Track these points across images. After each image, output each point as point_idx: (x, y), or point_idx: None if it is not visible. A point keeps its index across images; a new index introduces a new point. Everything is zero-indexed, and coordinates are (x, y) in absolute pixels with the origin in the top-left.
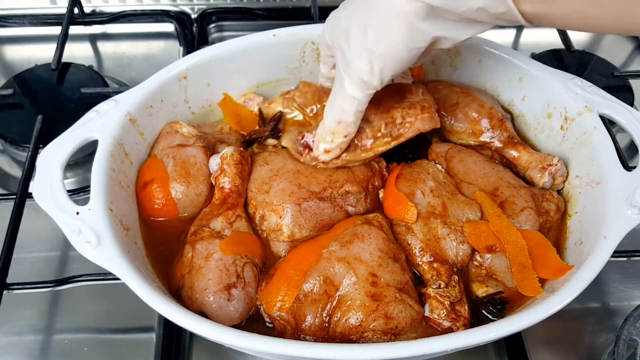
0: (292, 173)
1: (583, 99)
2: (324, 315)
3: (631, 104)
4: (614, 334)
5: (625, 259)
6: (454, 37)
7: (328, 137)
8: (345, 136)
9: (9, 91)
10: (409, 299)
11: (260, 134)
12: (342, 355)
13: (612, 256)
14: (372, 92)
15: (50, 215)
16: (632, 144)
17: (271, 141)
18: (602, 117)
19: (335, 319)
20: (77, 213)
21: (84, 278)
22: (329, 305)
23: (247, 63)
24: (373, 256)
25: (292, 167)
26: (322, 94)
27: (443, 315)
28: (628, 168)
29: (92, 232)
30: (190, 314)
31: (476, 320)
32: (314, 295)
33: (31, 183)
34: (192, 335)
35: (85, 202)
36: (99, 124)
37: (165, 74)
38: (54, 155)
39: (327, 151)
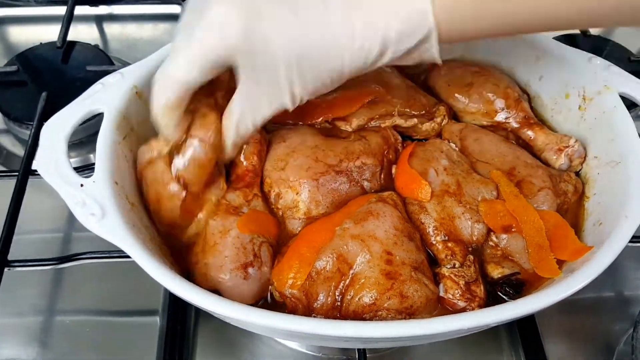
0: (310, 148)
1: (602, 78)
2: (337, 294)
3: None
4: (630, 322)
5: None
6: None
7: None
8: None
9: (13, 68)
10: (425, 278)
11: None
12: (352, 331)
13: (629, 242)
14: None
15: (54, 187)
16: None
17: None
18: (621, 97)
19: (349, 297)
20: (81, 185)
21: (87, 255)
22: (342, 284)
23: None
24: (388, 234)
25: (310, 143)
26: None
27: (458, 295)
28: None
29: (96, 204)
30: (200, 289)
31: (492, 301)
32: (327, 273)
33: (34, 161)
34: (197, 318)
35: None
36: (104, 96)
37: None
38: (58, 127)
39: None
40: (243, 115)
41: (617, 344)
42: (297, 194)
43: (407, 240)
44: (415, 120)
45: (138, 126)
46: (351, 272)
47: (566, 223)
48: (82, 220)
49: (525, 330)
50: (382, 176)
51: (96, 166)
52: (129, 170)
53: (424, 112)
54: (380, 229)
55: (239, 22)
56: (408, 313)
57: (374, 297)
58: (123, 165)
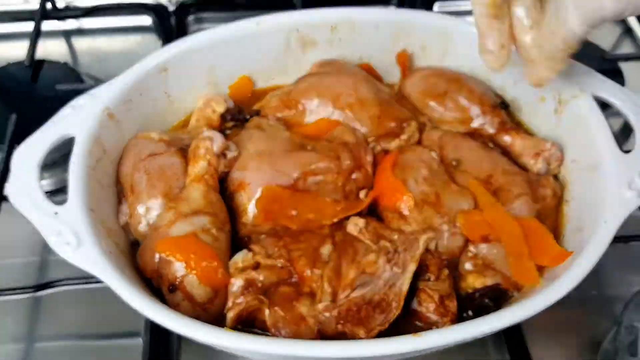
0: (273, 156)
1: (577, 81)
2: None
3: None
4: (614, 321)
5: (623, 244)
6: None
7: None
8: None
9: None
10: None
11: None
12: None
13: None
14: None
15: (27, 217)
16: (624, 128)
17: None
18: (596, 100)
19: None
20: (56, 213)
21: (64, 282)
22: None
23: (229, 52)
24: None
25: (276, 149)
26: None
27: (432, 309)
28: (623, 151)
29: (71, 233)
30: (179, 315)
31: (473, 313)
32: None
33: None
34: (180, 338)
35: (64, 203)
36: (75, 120)
37: (144, 66)
38: (28, 154)
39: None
40: None
41: (601, 343)
42: (247, 199)
43: None
44: (381, 144)
45: (111, 148)
46: None
47: (545, 228)
48: (58, 250)
49: (509, 330)
50: (345, 189)
51: (69, 193)
52: (104, 195)
53: (394, 125)
54: None
55: None
56: None
57: None
58: (97, 190)
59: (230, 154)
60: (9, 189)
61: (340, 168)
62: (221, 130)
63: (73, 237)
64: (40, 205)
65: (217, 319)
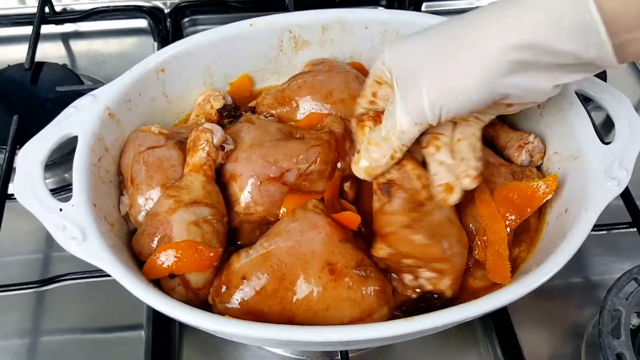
0: (265, 147)
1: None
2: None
3: (604, 80)
4: (598, 306)
5: (605, 232)
6: (527, 95)
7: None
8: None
9: None
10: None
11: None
12: (335, 336)
13: (592, 230)
14: (424, 127)
15: (34, 213)
16: (606, 122)
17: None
18: (577, 94)
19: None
20: (61, 210)
21: (69, 277)
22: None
23: (224, 53)
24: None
25: (267, 141)
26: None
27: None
28: (605, 143)
29: (76, 228)
30: (182, 305)
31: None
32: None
33: (11, 184)
34: (181, 330)
35: (66, 200)
36: (78, 119)
37: (142, 67)
38: (33, 153)
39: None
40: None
41: (587, 328)
42: (239, 189)
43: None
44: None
45: (112, 146)
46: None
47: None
48: (63, 244)
49: (498, 318)
50: (330, 178)
51: (74, 190)
52: (106, 191)
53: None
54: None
55: None
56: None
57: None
58: (100, 186)
59: (227, 147)
60: (15, 187)
61: (328, 157)
62: (219, 124)
63: (78, 232)
64: (46, 203)
65: (205, 304)
